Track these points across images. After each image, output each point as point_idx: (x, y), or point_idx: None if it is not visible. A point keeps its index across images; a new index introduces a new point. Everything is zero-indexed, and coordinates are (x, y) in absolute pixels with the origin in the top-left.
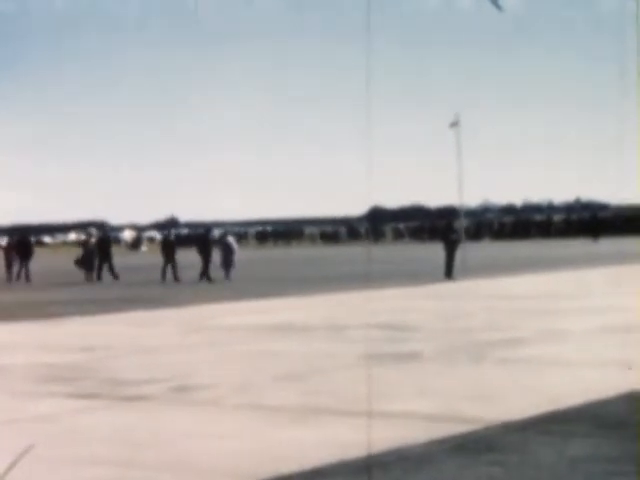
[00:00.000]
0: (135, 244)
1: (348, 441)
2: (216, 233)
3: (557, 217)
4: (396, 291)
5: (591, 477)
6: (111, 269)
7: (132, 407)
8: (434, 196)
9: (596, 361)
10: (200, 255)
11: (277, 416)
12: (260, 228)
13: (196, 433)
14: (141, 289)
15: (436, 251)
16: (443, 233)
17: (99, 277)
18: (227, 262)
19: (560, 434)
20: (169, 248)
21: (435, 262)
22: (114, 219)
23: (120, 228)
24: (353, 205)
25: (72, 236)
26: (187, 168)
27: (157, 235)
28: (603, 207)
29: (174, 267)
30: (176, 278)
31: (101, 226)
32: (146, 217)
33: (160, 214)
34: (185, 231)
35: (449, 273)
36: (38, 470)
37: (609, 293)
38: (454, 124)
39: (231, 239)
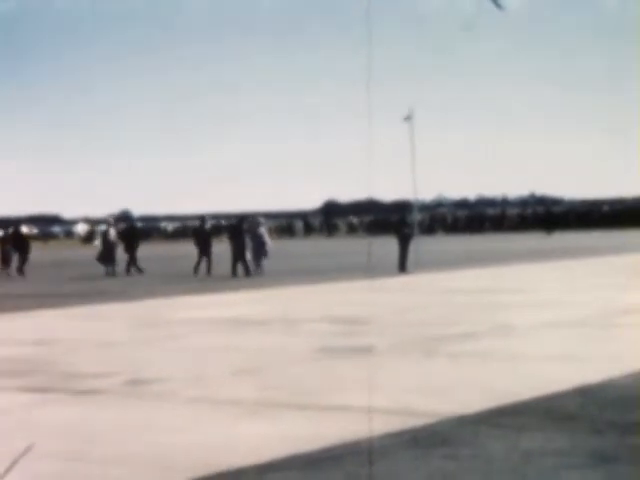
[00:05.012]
0: (88, 237)
1: (302, 435)
2: (169, 226)
3: (511, 211)
4: (350, 284)
5: (543, 470)
6: (131, 262)
7: (85, 400)
8: (388, 190)
9: (547, 355)
10: (232, 246)
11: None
12: (214, 222)
13: (149, 426)
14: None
15: (390, 245)
16: (396, 227)
17: (128, 271)
18: (258, 254)
19: (512, 428)
20: (204, 239)
21: (389, 256)
22: (67, 213)
23: (73, 222)
24: (307, 199)
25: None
26: (140, 162)
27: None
28: (557, 202)
29: (209, 260)
30: (209, 271)
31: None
32: (99, 210)
33: (113, 208)
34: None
35: (403, 267)
36: None
37: (561, 287)
38: (408, 118)
39: (263, 229)
